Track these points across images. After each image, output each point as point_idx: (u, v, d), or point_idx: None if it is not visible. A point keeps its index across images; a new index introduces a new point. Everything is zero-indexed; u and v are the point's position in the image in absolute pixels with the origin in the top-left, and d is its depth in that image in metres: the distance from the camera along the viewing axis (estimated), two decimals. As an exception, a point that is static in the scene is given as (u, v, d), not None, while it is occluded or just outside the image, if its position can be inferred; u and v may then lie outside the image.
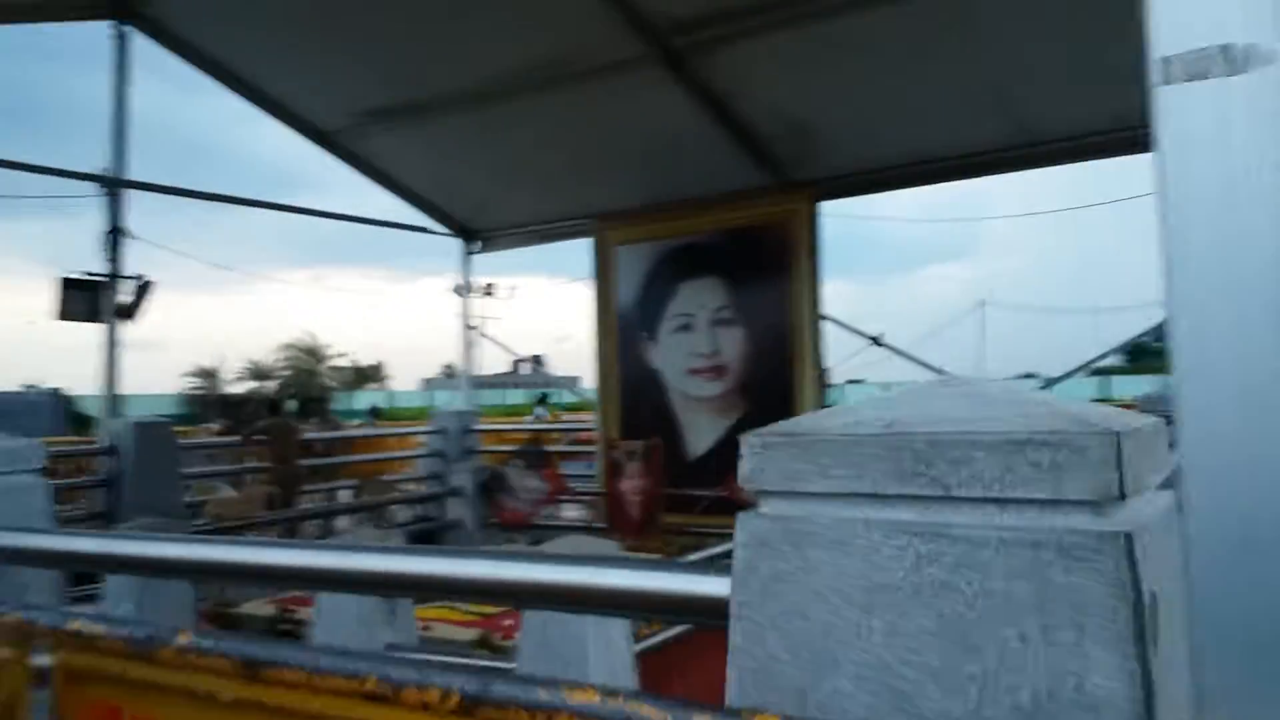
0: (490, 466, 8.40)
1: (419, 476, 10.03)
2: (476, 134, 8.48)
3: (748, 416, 7.62)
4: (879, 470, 0.93)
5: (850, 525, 0.93)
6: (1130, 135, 7.12)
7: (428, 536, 7.63)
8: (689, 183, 8.32)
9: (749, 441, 1.02)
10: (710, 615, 1.08)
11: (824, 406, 7.44)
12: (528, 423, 13.41)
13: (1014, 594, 0.84)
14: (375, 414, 15.21)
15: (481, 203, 10.07)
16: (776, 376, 7.49)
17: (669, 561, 1.14)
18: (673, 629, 3.99)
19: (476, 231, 10.62)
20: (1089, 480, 0.82)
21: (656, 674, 3.58)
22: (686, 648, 4.16)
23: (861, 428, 0.95)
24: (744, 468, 1.02)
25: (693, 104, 7.37)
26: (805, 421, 1.02)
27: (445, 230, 10.48)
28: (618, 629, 3.44)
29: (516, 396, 51.75)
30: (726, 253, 7.85)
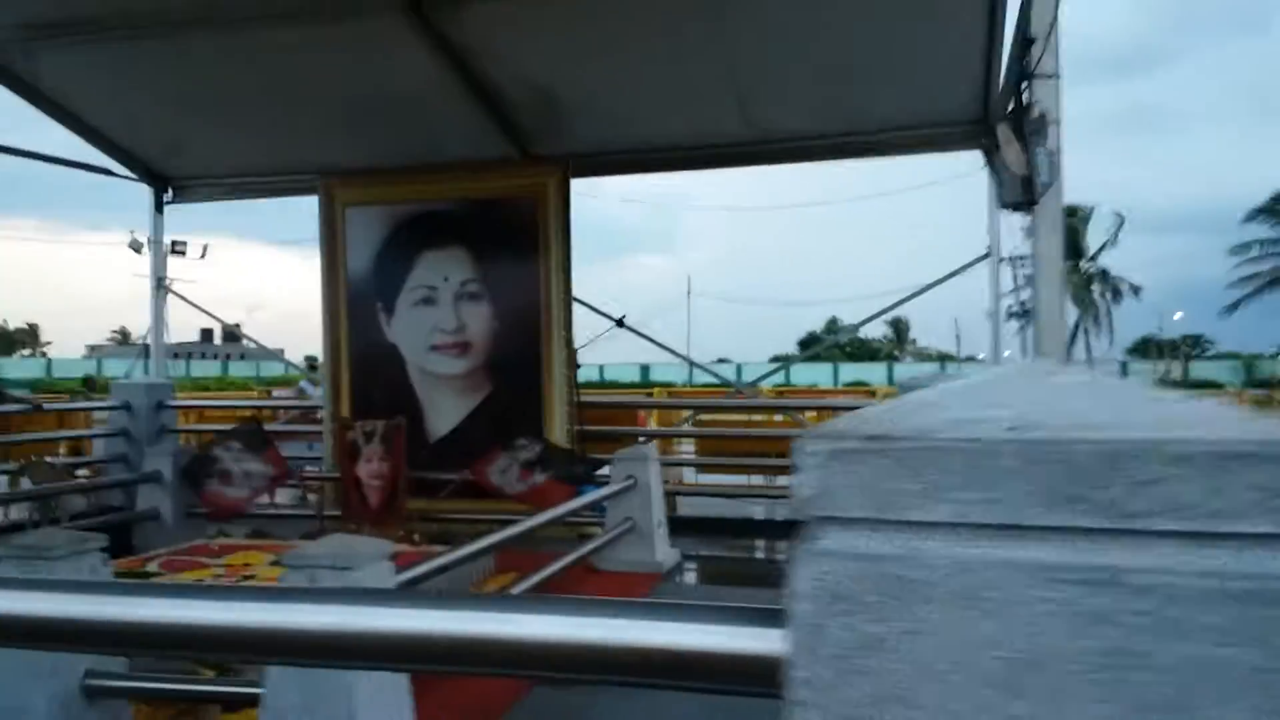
0: (192, 448, 7.34)
1: (99, 460, 8.61)
2: (175, 65, 7.28)
3: (494, 396, 7.25)
4: (1020, 492, 0.67)
5: (981, 570, 0.67)
6: (858, 142, 7.62)
7: (117, 530, 6.46)
8: (430, 145, 7.75)
9: (807, 449, 0.72)
10: (749, 682, 0.77)
11: (575, 388, 7.27)
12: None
13: (1229, 665, 0.62)
14: (89, 386, 12.69)
15: (177, 146, 8.77)
16: (524, 355, 7.18)
17: (686, 606, 0.81)
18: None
19: (169, 179, 9.29)
20: (1337, 509, 0.62)
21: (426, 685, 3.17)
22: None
23: (982, 430, 0.69)
24: (803, 486, 0.72)
25: (434, 60, 6.81)
26: (887, 419, 0.74)
27: (130, 174, 9.05)
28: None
29: (208, 368, 47.07)
30: (472, 223, 7.39)
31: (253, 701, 2.86)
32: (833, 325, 69.62)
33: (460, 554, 3.75)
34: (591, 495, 5.52)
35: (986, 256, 7.15)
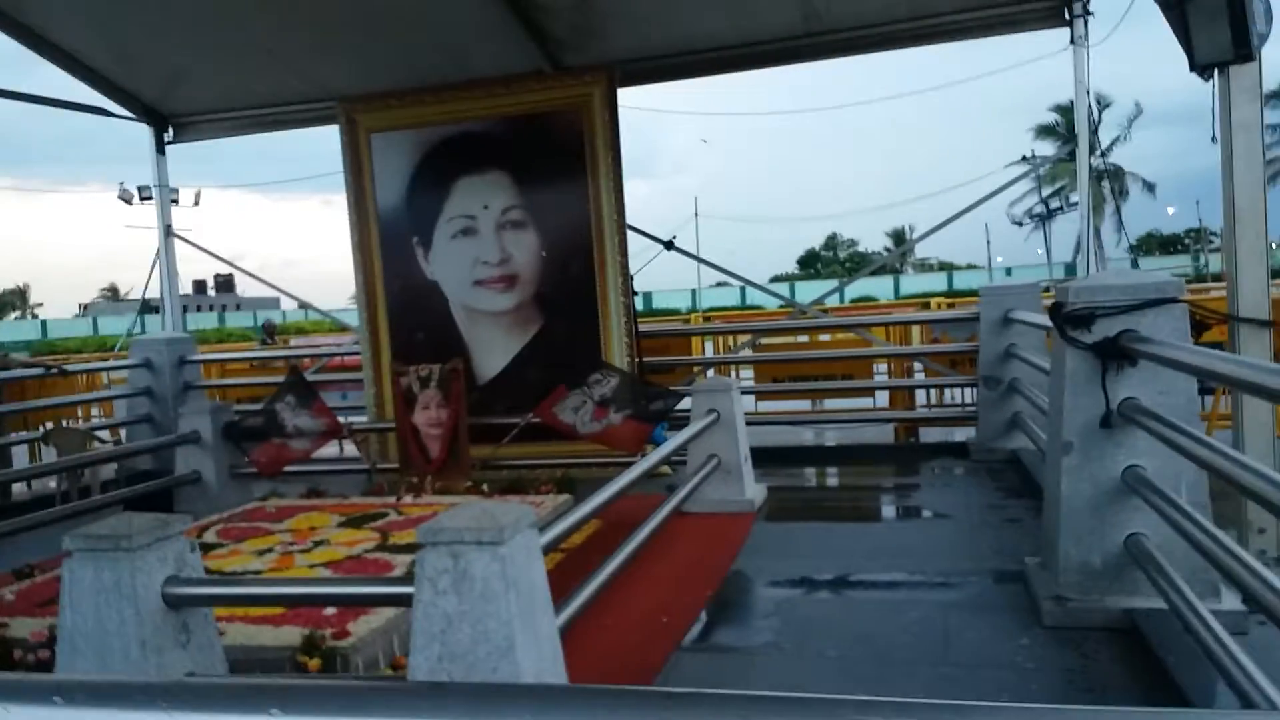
0: (229, 405, 6.85)
1: (122, 421, 8.14)
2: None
3: (546, 330, 6.74)
4: None
5: None
6: (927, 26, 6.99)
7: (156, 497, 6.03)
8: (454, 62, 7.10)
9: None
10: None
11: (634, 317, 6.76)
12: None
13: None
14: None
15: (177, 79, 8.09)
16: (577, 285, 6.66)
17: None
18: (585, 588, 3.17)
19: (169, 117, 8.62)
20: None
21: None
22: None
23: None
24: None
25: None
26: None
27: (127, 114, 8.38)
28: (543, 612, 2.57)
29: (205, 320, 46.22)
30: (511, 144, 6.78)
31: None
32: (832, 241, 68.86)
33: (585, 512, 3.30)
34: (681, 436, 5.04)
35: (1072, 148, 6.60)
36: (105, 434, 8.55)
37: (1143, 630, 2.99)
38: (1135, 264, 38.62)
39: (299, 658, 3.09)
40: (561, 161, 6.66)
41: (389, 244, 7.04)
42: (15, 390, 7.74)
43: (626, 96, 6.79)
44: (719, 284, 47.89)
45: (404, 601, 2.46)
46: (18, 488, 7.33)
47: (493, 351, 6.82)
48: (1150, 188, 43.73)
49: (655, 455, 4.49)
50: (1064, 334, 3.34)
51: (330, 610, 3.40)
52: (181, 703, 0.84)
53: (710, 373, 7.80)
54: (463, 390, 6.09)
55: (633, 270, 6.86)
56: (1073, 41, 6.38)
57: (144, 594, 2.58)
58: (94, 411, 9.51)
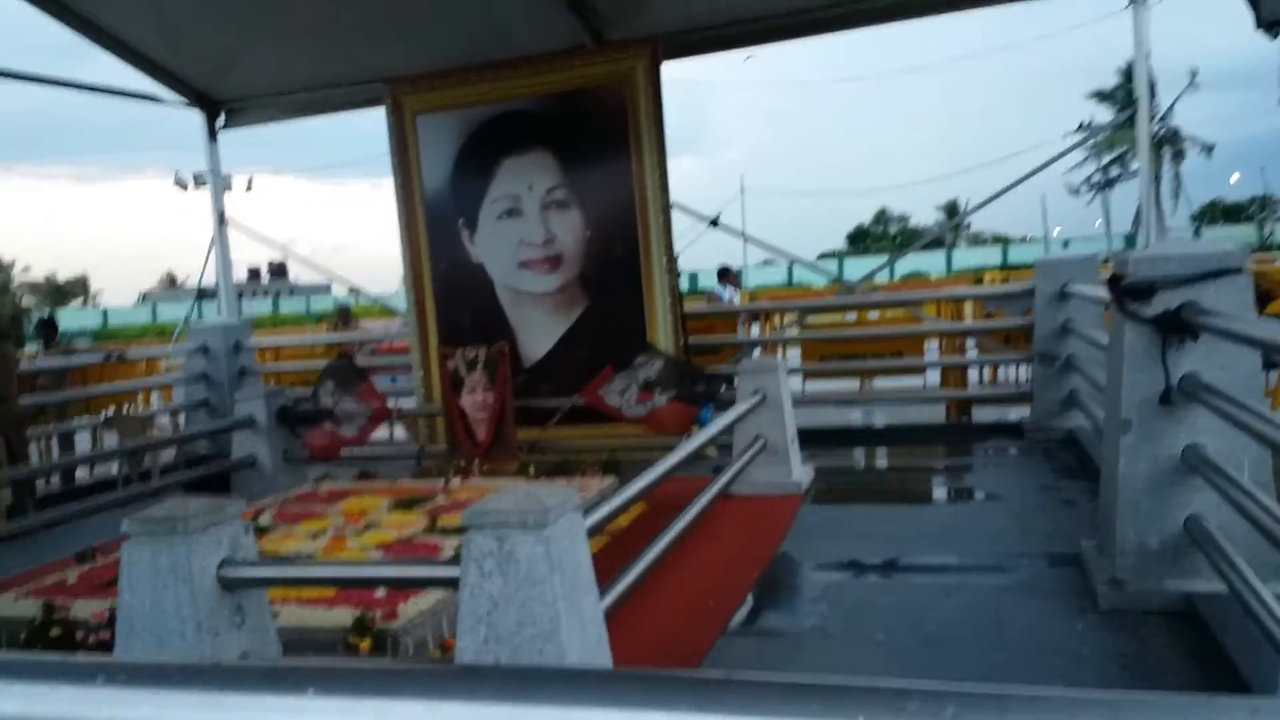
0: (284, 390, 6.98)
1: (180, 407, 8.34)
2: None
3: (591, 311, 6.74)
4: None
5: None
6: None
7: (215, 480, 6.18)
8: (497, 39, 7.09)
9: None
10: None
11: (679, 297, 6.72)
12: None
13: None
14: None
15: (227, 64, 8.20)
16: (622, 265, 6.63)
17: None
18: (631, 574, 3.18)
19: (221, 102, 8.75)
20: None
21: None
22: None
23: None
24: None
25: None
26: None
27: (179, 99, 8.52)
28: (588, 595, 2.57)
29: (259, 307, 47.19)
30: (554, 122, 6.76)
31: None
32: (882, 216, 67.83)
33: (630, 494, 3.30)
34: (727, 417, 5.00)
35: (1131, 113, 6.39)
36: (165, 419, 8.79)
37: (1202, 614, 2.90)
38: (1198, 234, 37.41)
39: (350, 639, 3.14)
40: (605, 139, 6.62)
41: (435, 226, 7.08)
42: (78, 377, 7.97)
43: (668, 69, 6.72)
44: (765, 262, 47.36)
45: (450, 584, 2.48)
46: (80, 472, 7.57)
47: (538, 333, 6.84)
48: (1209, 149, 42.15)
49: (701, 437, 4.48)
50: (1122, 307, 3.24)
51: (380, 592, 3.44)
52: (220, 684, 0.87)
53: (756, 353, 7.74)
54: (509, 373, 6.12)
55: (677, 249, 6.82)
56: (1132, 1, 6.15)
57: (199, 576, 2.63)
58: (154, 397, 9.77)
